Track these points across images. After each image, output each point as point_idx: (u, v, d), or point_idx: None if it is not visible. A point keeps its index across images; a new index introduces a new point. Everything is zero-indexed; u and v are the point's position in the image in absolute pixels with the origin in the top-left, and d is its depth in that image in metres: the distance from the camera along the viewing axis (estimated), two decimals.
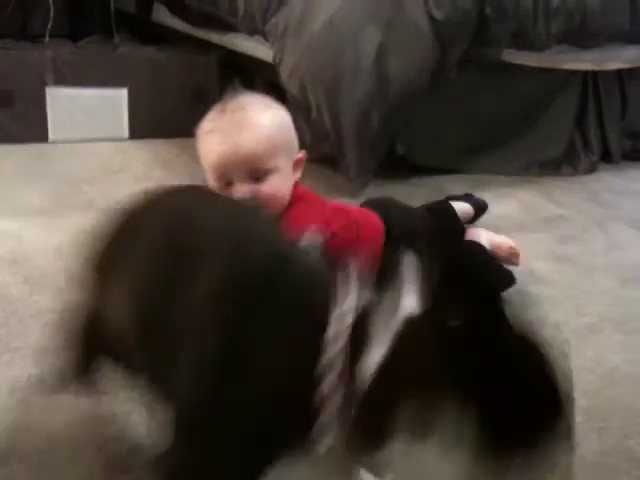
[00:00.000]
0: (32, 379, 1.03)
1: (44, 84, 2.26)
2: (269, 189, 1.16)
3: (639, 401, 1.09)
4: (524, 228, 1.74)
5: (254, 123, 1.15)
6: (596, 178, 2.17)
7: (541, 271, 1.51)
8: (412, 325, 0.62)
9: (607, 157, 2.28)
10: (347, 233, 1.25)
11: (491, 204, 1.76)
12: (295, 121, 1.67)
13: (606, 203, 1.97)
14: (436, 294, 0.63)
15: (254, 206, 0.85)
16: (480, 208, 1.70)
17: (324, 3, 1.83)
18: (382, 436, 0.62)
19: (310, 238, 1.13)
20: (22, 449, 0.91)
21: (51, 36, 2.65)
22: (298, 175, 1.23)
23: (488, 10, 1.84)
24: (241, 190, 1.15)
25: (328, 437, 0.62)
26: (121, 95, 2.34)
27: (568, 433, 0.62)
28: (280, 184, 1.18)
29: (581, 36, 2.04)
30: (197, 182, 1.18)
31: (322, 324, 0.64)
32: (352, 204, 1.51)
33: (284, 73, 1.90)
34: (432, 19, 1.77)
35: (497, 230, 1.63)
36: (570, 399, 0.64)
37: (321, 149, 1.96)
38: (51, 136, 2.29)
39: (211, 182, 1.18)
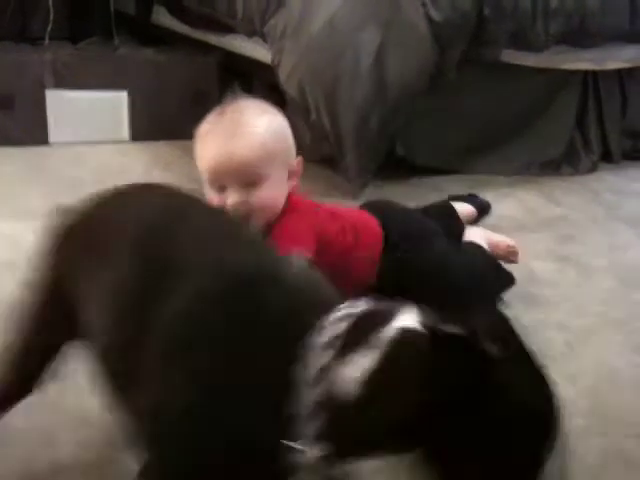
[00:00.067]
0: None
1: (44, 87, 2.26)
2: (261, 197, 1.15)
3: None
4: (524, 228, 1.74)
5: (249, 130, 1.14)
6: (597, 178, 2.17)
7: (541, 271, 1.51)
8: (406, 339, 0.60)
9: (607, 157, 2.28)
10: (344, 238, 1.24)
11: (491, 204, 1.76)
12: (294, 122, 1.67)
13: (607, 203, 1.97)
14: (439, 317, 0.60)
15: (236, 220, 0.82)
16: (483, 209, 1.70)
17: (322, 5, 1.83)
18: (358, 449, 0.61)
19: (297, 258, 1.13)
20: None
21: (51, 38, 2.65)
22: (294, 183, 1.21)
23: (487, 11, 1.84)
24: (233, 197, 1.15)
25: (308, 451, 0.60)
26: (121, 97, 2.34)
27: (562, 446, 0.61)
28: (273, 192, 1.17)
29: (580, 36, 2.03)
30: (198, 185, 1.18)
31: (292, 356, 0.60)
32: (351, 206, 1.52)
33: (283, 75, 1.90)
34: (430, 21, 1.77)
35: (497, 230, 1.62)
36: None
37: (321, 150, 1.97)
38: (51, 139, 2.29)
39: (205, 185, 1.18)
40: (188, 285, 0.66)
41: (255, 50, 2.20)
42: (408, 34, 1.78)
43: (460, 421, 0.57)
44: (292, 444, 0.59)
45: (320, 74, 1.83)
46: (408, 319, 0.61)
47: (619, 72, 2.24)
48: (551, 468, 0.62)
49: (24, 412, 0.91)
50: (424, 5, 1.77)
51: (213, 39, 2.50)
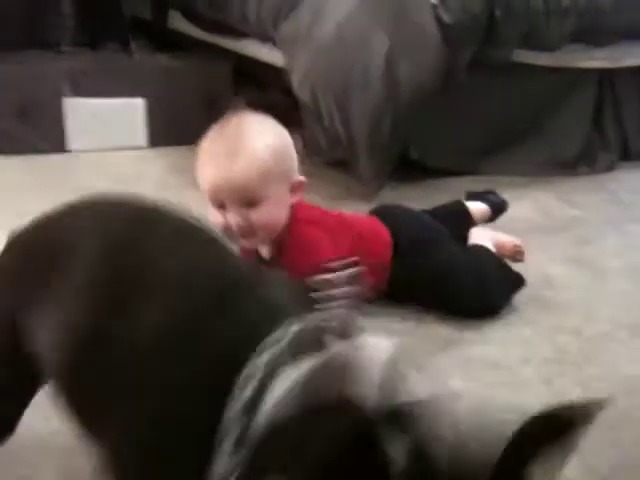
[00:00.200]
0: None
1: (62, 95, 2.29)
2: (262, 216, 1.16)
3: None
4: (539, 230, 1.72)
5: (248, 152, 1.15)
6: (614, 177, 2.14)
7: (555, 275, 1.50)
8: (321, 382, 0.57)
9: (626, 155, 2.25)
10: (355, 250, 1.25)
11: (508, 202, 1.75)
12: (309, 126, 1.67)
13: (624, 203, 1.95)
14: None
15: (211, 236, 0.76)
16: (499, 208, 1.68)
17: (332, 10, 1.83)
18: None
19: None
20: None
21: (69, 45, 2.68)
22: (297, 198, 1.22)
23: (498, 12, 1.83)
24: (234, 217, 1.16)
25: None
26: (138, 104, 2.37)
27: None
28: (274, 211, 1.18)
29: (594, 34, 2.02)
30: None
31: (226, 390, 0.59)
32: (365, 210, 1.52)
33: (295, 81, 1.91)
34: (441, 23, 1.77)
35: (512, 233, 1.62)
36: None
37: (335, 153, 1.97)
38: (70, 146, 2.32)
39: (207, 201, 1.19)
40: (152, 313, 0.64)
41: (269, 55, 2.21)
42: (418, 37, 1.78)
43: None
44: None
45: (331, 79, 1.83)
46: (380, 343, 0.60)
47: (638, 69, 2.21)
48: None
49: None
50: (434, 7, 1.77)
51: (228, 44, 2.51)
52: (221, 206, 1.17)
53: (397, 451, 0.52)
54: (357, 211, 1.69)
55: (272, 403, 0.56)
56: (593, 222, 1.80)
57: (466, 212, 1.55)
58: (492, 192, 1.66)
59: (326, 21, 1.83)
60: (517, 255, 1.50)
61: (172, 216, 0.76)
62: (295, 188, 1.21)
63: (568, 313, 1.36)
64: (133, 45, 2.74)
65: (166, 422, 0.60)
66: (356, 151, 1.86)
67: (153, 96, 2.37)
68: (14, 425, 0.82)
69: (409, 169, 2.01)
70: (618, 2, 2.01)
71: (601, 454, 0.97)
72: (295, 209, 1.22)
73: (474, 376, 1.14)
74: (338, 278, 1.19)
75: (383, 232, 1.36)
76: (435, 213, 1.51)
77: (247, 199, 1.16)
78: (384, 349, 0.62)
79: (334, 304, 1.16)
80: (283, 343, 0.60)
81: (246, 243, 1.23)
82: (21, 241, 0.78)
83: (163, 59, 2.55)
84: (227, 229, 1.19)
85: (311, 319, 0.63)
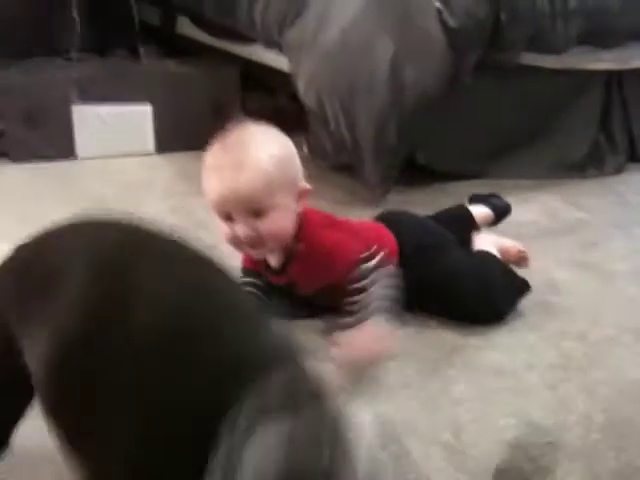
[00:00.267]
0: None
1: (70, 102, 2.31)
2: (269, 226, 1.17)
3: None
4: (545, 234, 1.72)
5: (253, 164, 1.15)
6: (622, 179, 2.13)
7: (560, 279, 1.50)
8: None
9: (634, 157, 2.24)
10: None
11: (512, 209, 1.74)
12: (315, 130, 1.67)
13: (631, 205, 1.94)
14: None
15: (204, 259, 0.76)
16: (502, 211, 1.68)
17: (337, 15, 1.84)
18: None
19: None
20: None
21: (78, 50, 2.70)
22: (303, 205, 1.22)
23: (503, 16, 1.83)
24: (242, 228, 1.17)
25: None
26: (146, 110, 2.38)
27: None
28: (280, 220, 1.19)
29: (601, 36, 2.01)
30: None
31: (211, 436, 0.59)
32: (367, 218, 1.52)
33: (301, 86, 1.92)
34: (446, 28, 1.77)
35: (518, 237, 1.62)
36: None
37: (341, 158, 1.98)
38: (78, 153, 2.34)
39: (214, 213, 1.20)
40: (138, 335, 0.65)
41: (277, 60, 2.21)
42: (423, 42, 1.78)
43: None
44: None
45: (337, 84, 1.83)
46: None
47: None
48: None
49: None
50: (439, 12, 1.77)
51: (235, 49, 2.52)
52: (228, 218, 1.18)
53: None
54: (363, 215, 1.69)
55: (255, 460, 0.57)
56: (600, 225, 1.79)
57: (470, 216, 1.55)
58: (496, 195, 1.66)
59: (331, 27, 1.83)
60: (521, 261, 1.50)
61: (162, 238, 0.77)
62: (301, 196, 1.22)
63: (573, 318, 1.35)
64: (142, 51, 2.76)
65: (154, 440, 0.61)
66: (362, 156, 1.87)
67: (161, 102, 2.38)
68: (7, 440, 0.82)
69: (415, 173, 2.01)
70: (625, 3, 2.00)
71: (605, 460, 0.97)
72: (305, 216, 1.23)
73: (478, 382, 1.14)
74: (367, 271, 1.21)
75: (389, 238, 1.36)
76: (438, 218, 1.51)
77: (254, 209, 1.16)
78: (367, 428, 0.64)
79: (372, 301, 1.19)
80: (269, 392, 0.61)
81: (255, 253, 1.24)
82: (20, 257, 0.79)
83: (171, 65, 2.57)
84: (235, 240, 1.20)
85: (294, 370, 0.65)
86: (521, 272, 1.43)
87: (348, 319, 1.19)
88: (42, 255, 0.77)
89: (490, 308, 1.33)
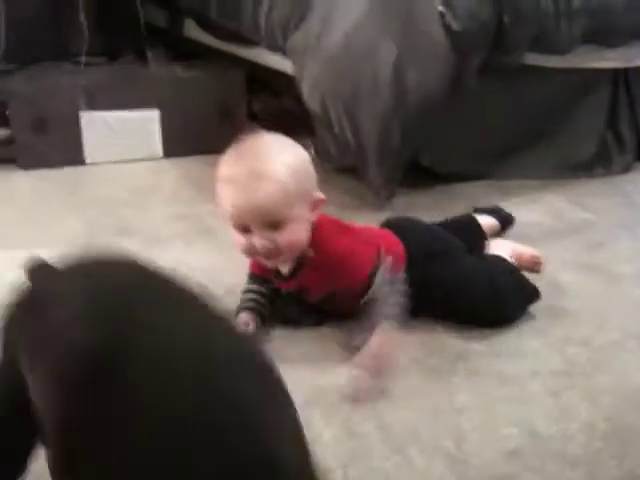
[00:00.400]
0: None
1: (78, 109, 2.32)
2: (286, 238, 1.18)
3: None
4: (551, 236, 1.71)
5: (269, 175, 1.15)
6: (630, 179, 2.12)
7: (566, 282, 1.50)
8: None
9: None
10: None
11: (518, 211, 1.75)
12: (320, 134, 1.65)
13: (638, 205, 1.92)
14: None
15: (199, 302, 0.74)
16: (506, 221, 1.69)
17: (340, 19, 1.84)
18: None
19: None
20: None
21: (86, 54, 2.72)
22: (317, 215, 1.23)
23: (506, 18, 1.82)
24: (259, 240, 1.17)
25: None
26: (153, 115, 2.39)
27: None
28: (297, 231, 1.19)
29: (606, 35, 1.99)
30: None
31: None
32: (372, 222, 1.53)
33: (305, 90, 1.92)
34: (449, 31, 1.77)
35: (523, 238, 1.62)
36: None
37: (346, 160, 1.98)
38: (87, 159, 2.36)
39: (229, 225, 1.21)
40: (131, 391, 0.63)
41: (282, 63, 2.22)
42: (426, 45, 1.78)
43: None
44: None
45: (340, 88, 1.84)
46: None
47: None
48: None
49: None
50: (442, 15, 1.77)
51: (242, 52, 2.53)
52: (244, 229, 1.19)
53: None
54: (370, 219, 1.70)
55: None
56: (605, 226, 1.78)
57: (477, 225, 1.56)
58: (497, 208, 1.69)
59: (334, 31, 1.84)
60: (535, 267, 1.50)
61: (163, 283, 0.75)
62: (315, 206, 1.22)
63: (578, 322, 1.35)
64: (149, 54, 2.78)
65: None
66: (366, 159, 1.87)
67: (168, 107, 2.39)
68: (27, 461, 0.81)
69: (420, 175, 2.01)
70: (629, 2, 1.98)
71: (607, 468, 0.97)
72: (316, 223, 1.23)
73: (481, 390, 1.14)
74: (380, 278, 1.23)
75: (397, 245, 1.37)
76: (446, 225, 1.52)
77: (272, 222, 1.17)
78: None
79: (384, 308, 1.20)
80: None
81: (270, 263, 1.26)
82: (28, 293, 0.78)
83: (177, 70, 2.58)
84: (250, 250, 1.21)
85: None
86: (526, 273, 1.44)
87: (363, 326, 1.20)
88: (46, 293, 0.75)
89: (498, 313, 1.34)
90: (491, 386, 1.16)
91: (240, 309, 1.33)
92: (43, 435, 0.71)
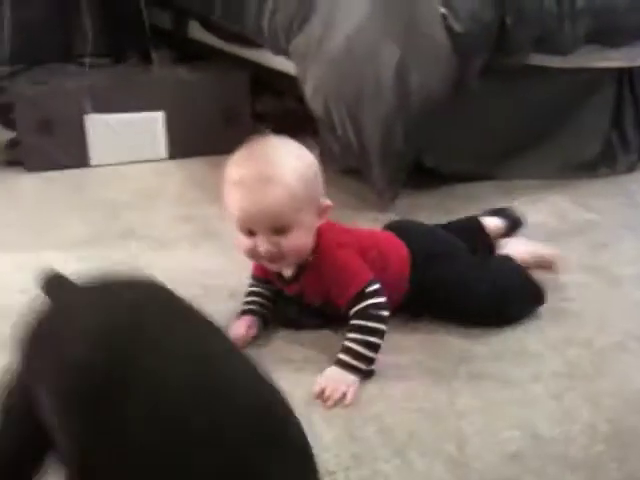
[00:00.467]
0: None
1: (83, 111, 2.33)
2: (291, 243, 1.18)
3: None
4: (554, 237, 1.70)
5: (278, 180, 1.15)
6: (635, 179, 2.11)
7: (569, 283, 1.49)
8: None
9: None
10: (373, 263, 1.27)
11: (522, 211, 1.74)
12: (323, 135, 1.65)
13: None
14: None
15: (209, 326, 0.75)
16: (514, 223, 1.68)
17: (343, 21, 1.84)
18: None
19: None
20: None
21: (91, 55, 2.73)
22: (323, 221, 1.23)
23: (509, 19, 1.82)
24: (264, 244, 1.18)
25: None
26: (157, 117, 2.40)
27: None
28: (302, 237, 1.20)
29: (610, 35, 1.99)
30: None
31: None
32: (376, 224, 1.53)
33: (308, 92, 1.93)
34: (452, 33, 1.77)
35: (527, 238, 1.62)
36: None
37: (350, 162, 1.99)
38: (92, 162, 2.37)
39: (235, 227, 1.21)
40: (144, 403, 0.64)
41: (285, 64, 2.22)
42: (428, 46, 1.78)
43: None
44: None
45: (343, 91, 1.84)
46: None
47: None
48: None
49: None
50: (444, 17, 1.77)
51: (245, 53, 2.54)
52: (250, 232, 1.19)
53: None
54: (373, 219, 1.71)
55: None
56: (609, 226, 1.78)
57: (479, 226, 1.56)
58: (505, 209, 1.67)
59: (337, 34, 1.84)
60: (553, 266, 1.51)
61: (176, 303, 0.76)
62: (322, 212, 1.23)
63: (580, 324, 1.35)
64: (154, 55, 2.79)
65: None
66: (369, 160, 1.87)
67: (172, 108, 2.40)
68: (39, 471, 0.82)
69: (423, 176, 2.01)
70: (633, 2, 1.98)
71: (607, 471, 0.97)
72: (322, 230, 1.24)
73: (483, 394, 1.14)
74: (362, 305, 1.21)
75: (401, 247, 1.37)
76: (449, 227, 1.52)
77: (278, 226, 1.17)
78: None
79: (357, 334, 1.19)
80: None
81: (273, 267, 1.26)
82: (42, 316, 0.77)
83: (181, 71, 2.59)
84: (254, 253, 1.21)
85: None
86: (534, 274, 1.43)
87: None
88: (61, 309, 0.76)
89: (503, 313, 1.34)
90: (493, 389, 1.16)
91: (243, 311, 1.34)
92: (57, 452, 0.72)
